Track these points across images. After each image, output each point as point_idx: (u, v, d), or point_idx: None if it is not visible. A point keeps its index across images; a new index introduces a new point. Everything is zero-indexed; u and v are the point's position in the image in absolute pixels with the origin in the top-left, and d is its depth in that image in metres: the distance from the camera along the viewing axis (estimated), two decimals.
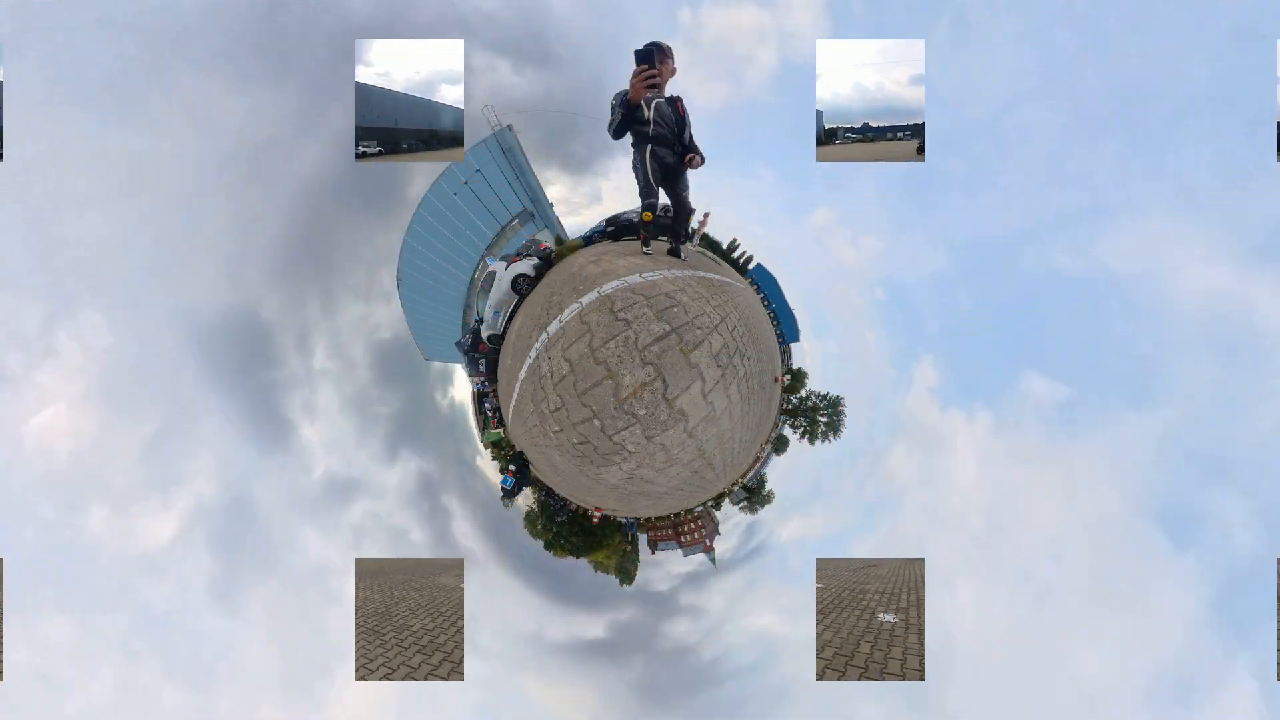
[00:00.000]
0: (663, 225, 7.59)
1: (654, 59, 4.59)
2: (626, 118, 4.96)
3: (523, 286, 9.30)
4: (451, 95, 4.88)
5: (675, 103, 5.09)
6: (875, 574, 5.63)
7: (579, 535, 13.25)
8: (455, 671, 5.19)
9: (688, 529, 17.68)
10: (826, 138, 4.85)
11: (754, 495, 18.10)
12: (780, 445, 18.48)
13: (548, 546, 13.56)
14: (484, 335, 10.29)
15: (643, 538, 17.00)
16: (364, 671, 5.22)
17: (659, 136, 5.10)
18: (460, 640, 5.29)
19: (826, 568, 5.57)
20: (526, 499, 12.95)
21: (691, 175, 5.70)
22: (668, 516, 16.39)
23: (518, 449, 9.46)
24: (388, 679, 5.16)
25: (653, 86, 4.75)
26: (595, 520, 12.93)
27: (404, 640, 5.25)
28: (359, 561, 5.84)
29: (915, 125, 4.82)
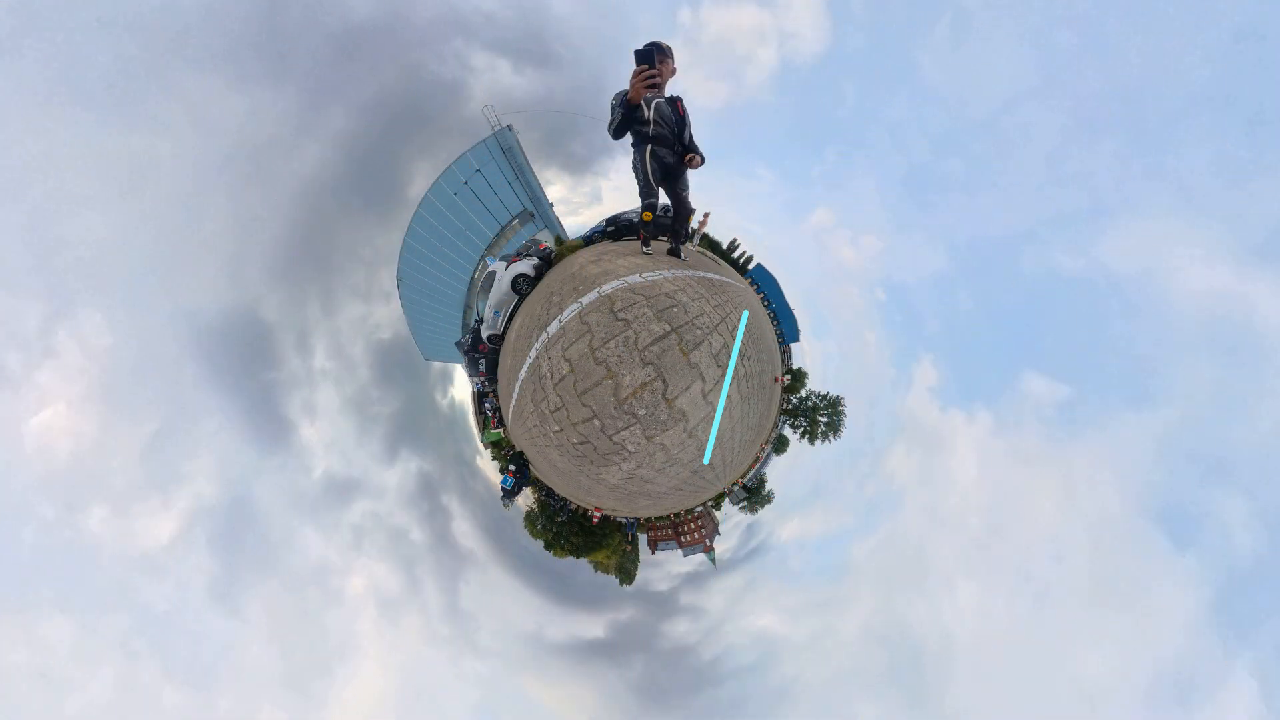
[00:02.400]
0: (663, 225, 7.58)
1: (654, 59, 4.59)
2: (626, 118, 4.96)
3: (523, 286, 9.29)
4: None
5: (675, 103, 5.09)
6: None
7: (579, 535, 13.24)
8: None
9: (688, 529, 17.68)
10: None
11: (754, 495, 18.10)
12: (780, 445, 18.48)
13: (548, 546, 13.55)
14: (484, 335, 10.29)
15: (643, 538, 16.99)
16: None
17: (659, 136, 5.10)
18: None
19: None
20: (526, 499, 12.95)
21: (691, 175, 5.70)
22: (668, 516, 16.39)
23: (518, 449, 9.46)
24: None
25: (652, 86, 4.74)
26: (595, 520, 12.93)
27: None
28: None
29: None
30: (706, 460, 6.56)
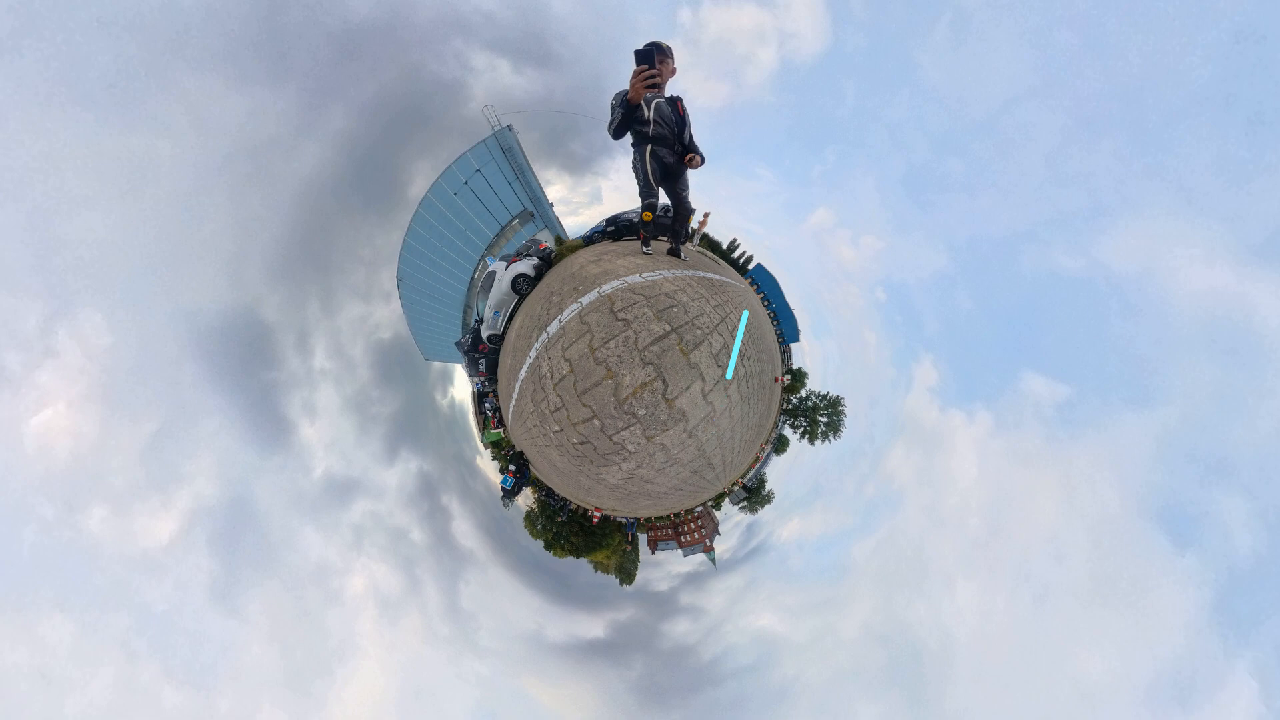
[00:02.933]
0: (663, 225, 7.58)
1: (654, 59, 4.59)
2: (626, 118, 4.96)
3: (523, 286, 9.30)
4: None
5: (675, 103, 5.09)
6: None
7: (579, 535, 13.25)
8: None
9: (688, 529, 17.69)
10: None
11: (754, 495, 18.12)
12: (780, 445, 18.48)
13: (548, 546, 13.57)
14: (484, 335, 10.30)
15: (643, 538, 17.01)
16: None
17: (659, 136, 5.11)
18: None
19: None
20: (526, 499, 12.96)
21: (691, 175, 5.70)
22: (668, 516, 16.40)
23: (518, 449, 9.46)
24: None
25: (652, 86, 4.75)
26: (595, 520, 12.94)
27: None
28: None
29: None
30: (729, 376, 6.52)
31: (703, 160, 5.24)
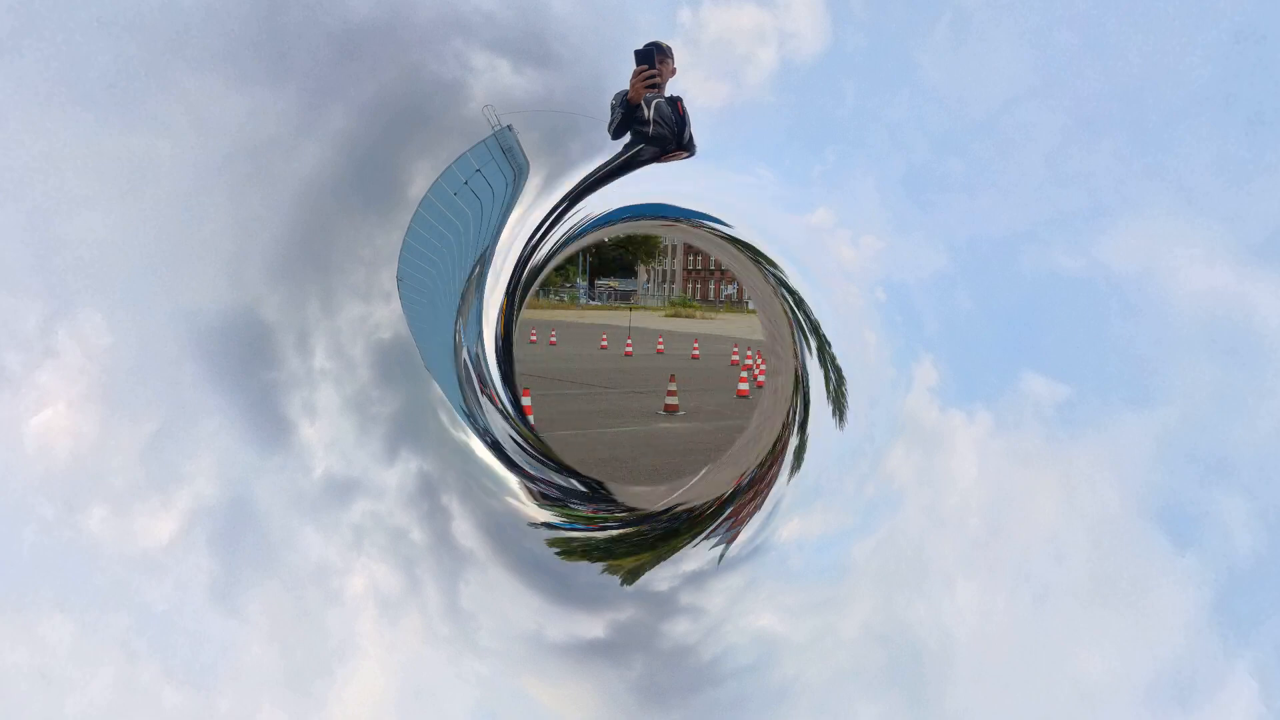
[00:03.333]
0: None
1: (654, 59, 4.61)
2: (626, 118, 4.98)
3: None
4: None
5: (675, 103, 5.11)
6: None
7: None
8: None
9: None
10: None
11: None
12: None
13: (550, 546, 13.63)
14: None
15: None
16: None
17: (659, 137, 5.13)
18: None
19: None
20: None
21: None
22: None
23: None
24: None
25: (653, 87, 4.76)
26: None
27: None
28: None
29: None
30: None
31: None
